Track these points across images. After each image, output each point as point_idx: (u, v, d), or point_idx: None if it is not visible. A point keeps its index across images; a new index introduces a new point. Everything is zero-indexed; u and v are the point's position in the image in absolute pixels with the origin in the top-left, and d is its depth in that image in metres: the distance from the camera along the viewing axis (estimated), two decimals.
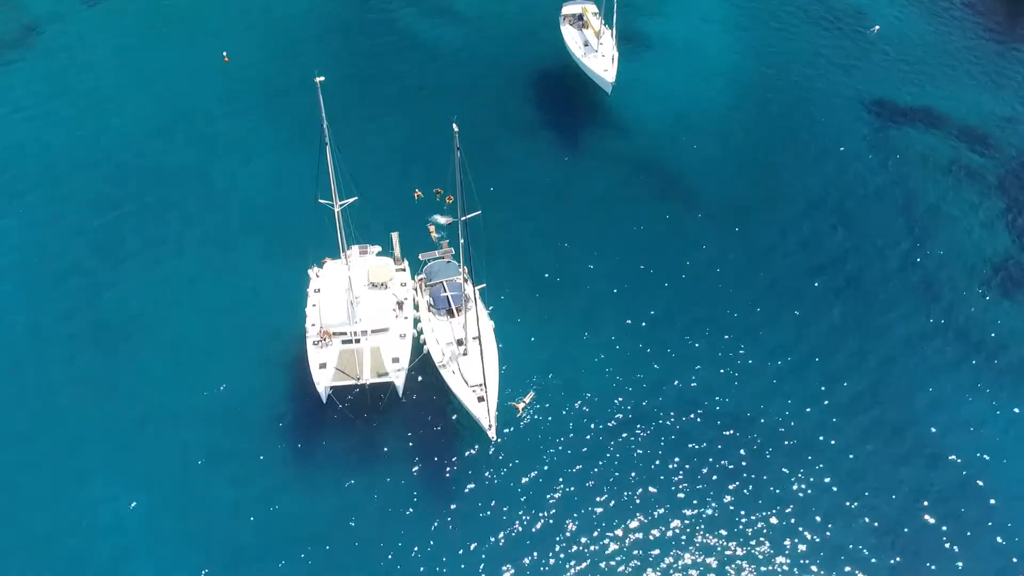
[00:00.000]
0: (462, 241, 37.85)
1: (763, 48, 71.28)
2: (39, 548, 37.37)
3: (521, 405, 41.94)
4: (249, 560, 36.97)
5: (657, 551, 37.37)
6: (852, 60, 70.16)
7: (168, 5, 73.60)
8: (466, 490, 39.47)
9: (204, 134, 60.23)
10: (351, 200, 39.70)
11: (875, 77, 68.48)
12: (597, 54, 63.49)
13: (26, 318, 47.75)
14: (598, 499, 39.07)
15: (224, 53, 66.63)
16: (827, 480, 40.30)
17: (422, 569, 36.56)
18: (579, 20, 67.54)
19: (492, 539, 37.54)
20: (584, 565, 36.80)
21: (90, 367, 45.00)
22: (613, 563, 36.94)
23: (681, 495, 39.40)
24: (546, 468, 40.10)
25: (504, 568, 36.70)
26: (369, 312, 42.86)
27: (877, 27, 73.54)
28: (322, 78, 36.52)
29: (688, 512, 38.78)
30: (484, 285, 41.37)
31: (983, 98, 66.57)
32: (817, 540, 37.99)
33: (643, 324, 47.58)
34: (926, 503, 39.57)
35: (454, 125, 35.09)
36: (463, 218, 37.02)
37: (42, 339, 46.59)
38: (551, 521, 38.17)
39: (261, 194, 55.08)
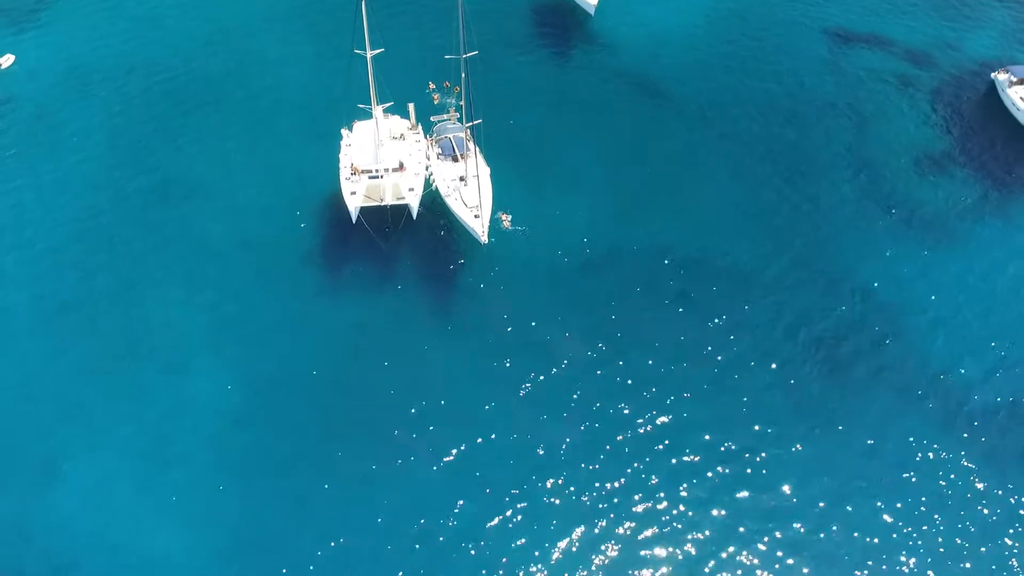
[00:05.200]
0: (464, 75, 47.73)
1: None
2: (111, 357, 45.98)
3: (506, 218, 52.06)
4: (293, 355, 45.76)
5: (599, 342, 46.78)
6: None
7: None
8: (462, 282, 49.73)
9: (247, 43, 70.65)
10: (379, 51, 49.80)
11: (835, 8, 77.71)
12: None
13: (104, 178, 57.69)
14: (563, 298, 48.91)
15: None
16: (761, 306, 48.73)
17: (429, 346, 46.33)
18: None
19: (481, 319, 47.55)
20: (545, 337, 46.63)
21: (157, 213, 54.85)
22: (568, 346, 46.45)
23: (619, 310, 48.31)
24: (522, 270, 50.24)
25: (490, 333, 46.74)
26: (390, 155, 52.98)
27: None
28: None
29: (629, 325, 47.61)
30: (480, 120, 51.10)
31: (931, 26, 75.60)
32: (748, 355, 45.94)
33: (615, 182, 57.09)
34: (854, 327, 47.88)
35: None
36: (464, 56, 47.01)
37: (117, 194, 56.46)
38: (525, 305, 48.24)
39: (299, 83, 65.46)
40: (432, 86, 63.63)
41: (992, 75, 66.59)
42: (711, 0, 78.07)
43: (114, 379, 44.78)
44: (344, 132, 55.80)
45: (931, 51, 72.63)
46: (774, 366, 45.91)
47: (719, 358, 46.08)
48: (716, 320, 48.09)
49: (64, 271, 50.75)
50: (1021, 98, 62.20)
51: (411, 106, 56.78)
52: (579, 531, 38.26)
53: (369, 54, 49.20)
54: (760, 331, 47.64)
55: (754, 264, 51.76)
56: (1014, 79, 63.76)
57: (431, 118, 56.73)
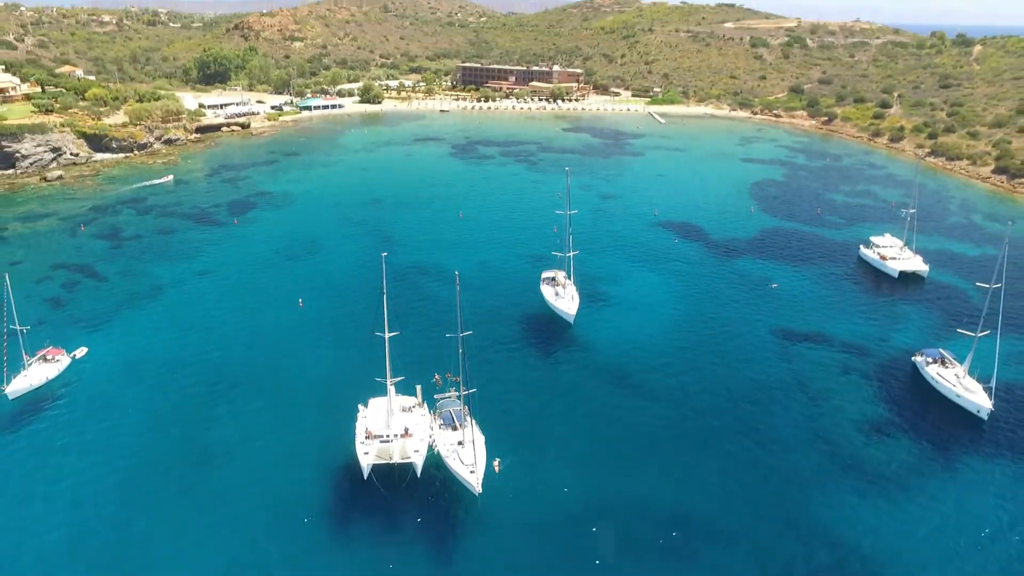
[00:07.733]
0: (461, 350, 58.42)
1: (693, 300, 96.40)
2: None
3: (497, 464, 59.15)
4: None
5: None
6: (761, 304, 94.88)
7: (257, 275, 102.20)
8: (458, 531, 54.97)
9: (279, 338, 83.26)
10: (395, 333, 61.21)
11: (778, 314, 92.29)
12: (564, 299, 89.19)
13: (145, 444, 65.31)
14: (551, 549, 54.22)
15: (300, 300, 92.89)
16: (743, 558, 53.64)
17: None
18: (553, 280, 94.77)
19: (473, 567, 52.37)
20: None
21: (187, 473, 61.59)
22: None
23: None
24: (513, 523, 55.79)
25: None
26: (399, 423, 61.78)
27: (776, 284, 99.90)
28: (385, 253, 60.70)
29: None
30: (475, 390, 60.63)
31: (860, 326, 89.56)
32: None
33: (596, 451, 64.60)
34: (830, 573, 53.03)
35: (456, 272, 58.15)
36: (461, 334, 58.23)
37: (154, 457, 63.57)
38: (516, 556, 53.39)
39: (323, 373, 76.23)
40: (437, 376, 74.50)
41: (912, 358, 78.27)
42: (673, 311, 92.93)
43: None
44: (360, 407, 65.14)
45: (862, 343, 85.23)
46: None
47: None
48: (700, 573, 52.61)
49: (92, 518, 56.38)
50: (938, 373, 73.11)
51: (418, 387, 66.89)
52: None
53: (387, 335, 60.75)
54: None
55: (731, 520, 57.26)
56: (929, 360, 75.42)
57: (435, 396, 66.45)
